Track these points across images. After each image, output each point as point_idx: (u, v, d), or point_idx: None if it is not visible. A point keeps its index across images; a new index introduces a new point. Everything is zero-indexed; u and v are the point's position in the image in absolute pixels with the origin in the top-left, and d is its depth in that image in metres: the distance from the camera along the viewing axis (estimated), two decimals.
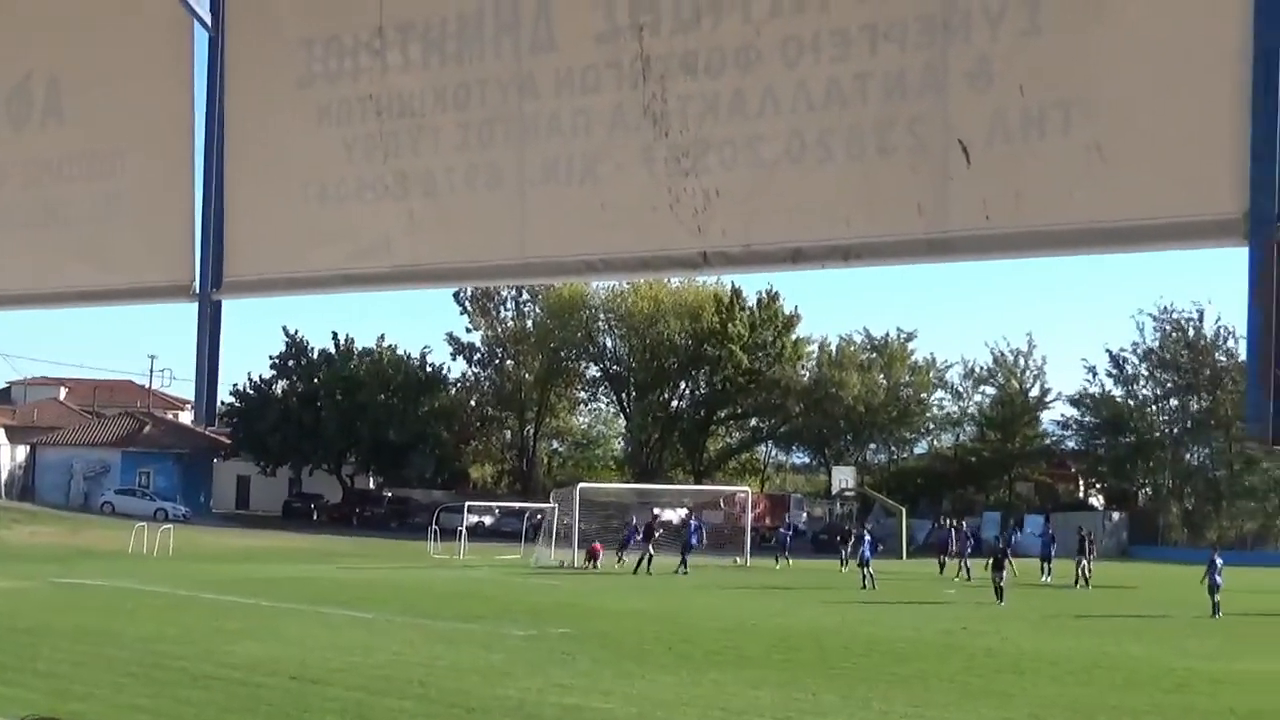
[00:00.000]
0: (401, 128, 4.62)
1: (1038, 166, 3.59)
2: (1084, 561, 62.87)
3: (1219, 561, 50.58)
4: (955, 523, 68.93)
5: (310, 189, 4.88)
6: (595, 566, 65.87)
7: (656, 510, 78.93)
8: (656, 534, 67.35)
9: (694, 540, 68.06)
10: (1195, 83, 3.44)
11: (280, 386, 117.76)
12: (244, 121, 5.05)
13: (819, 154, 3.84)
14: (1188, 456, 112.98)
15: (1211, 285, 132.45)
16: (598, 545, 68.43)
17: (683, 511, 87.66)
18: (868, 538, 62.00)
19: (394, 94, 4.62)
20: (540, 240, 4.38)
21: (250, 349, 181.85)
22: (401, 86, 4.60)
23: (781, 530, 78.02)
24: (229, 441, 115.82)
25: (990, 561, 55.07)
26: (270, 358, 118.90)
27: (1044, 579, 64.48)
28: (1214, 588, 49.13)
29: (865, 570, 58.18)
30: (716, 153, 3.97)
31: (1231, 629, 43.86)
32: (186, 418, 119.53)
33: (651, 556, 63.45)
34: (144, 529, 69.40)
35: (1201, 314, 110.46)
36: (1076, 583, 61.05)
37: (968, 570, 63.98)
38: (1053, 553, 67.19)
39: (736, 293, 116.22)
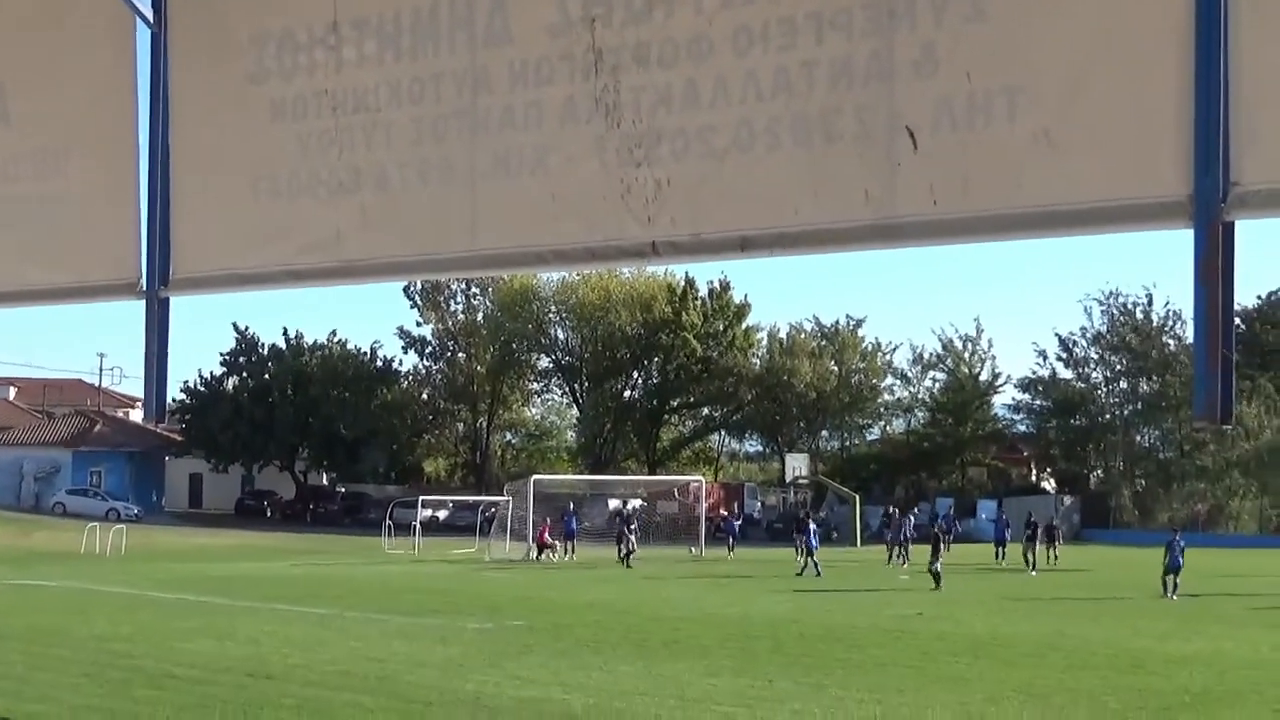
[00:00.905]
0: (356, 123, 4.61)
1: (985, 152, 3.60)
2: (1034, 547, 63.05)
3: (1181, 542, 50.71)
4: (892, 510, 68.89)
5: (261, 184, 4.87)
6: (546, 558, 65.76)
7: (619, 502, 78.85)
8: (633, 524, 67.20)
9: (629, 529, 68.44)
10: (1140, 69, 3.46)
11: (231, 383, 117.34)
12: (191, 118, 5.04)
13: (767, 142, 3.85)
14: (1138, 439, 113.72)
15: (1158, 269, 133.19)
16: (545, 532, 68.17)
17: (636, 502, 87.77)
18: (812, 526, 62.09)
19: (349, 89, 4.61)
20: (491, 232, 4.38)
21: (201, 345, 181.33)
22: (357, 82, 4.59)
23: (731, 520, 77.98)
24: (180, 439, 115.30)
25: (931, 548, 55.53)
26: (221, 354, 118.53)
27: (999, 562, 64.84)
28: (1175, 568, 49.26)
29: (811, 559, 58.30)
30: (668, 143, 3.97)
31: (1185, 610, 44.12)
32: (137, 416, 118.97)
33: (633, 549, 63.35)
34: (96, 529, 69.02)
35: (1150, 298, 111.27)
36: (1031, 568, 61.09)
37: (905, 556, 63.69)
38: (1007, 537, 67.57)
39: (690, 282, 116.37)
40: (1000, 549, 66.81)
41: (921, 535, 65.45)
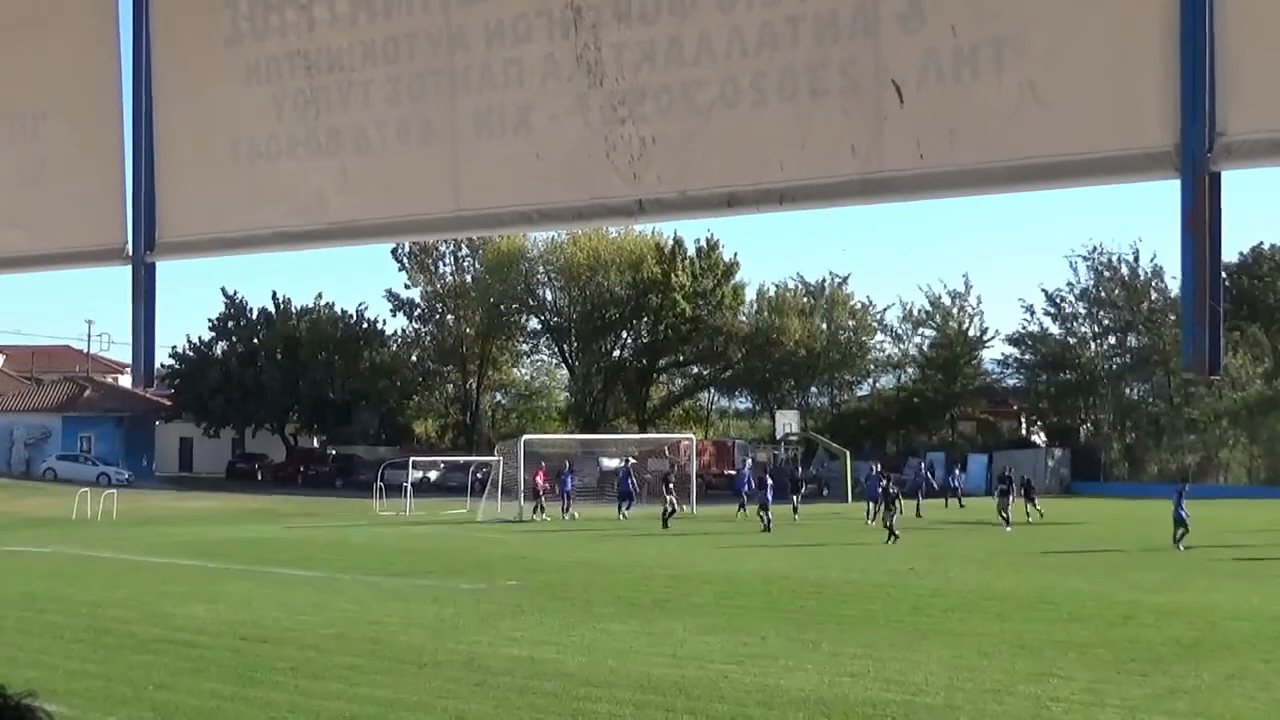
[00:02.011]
0: (331, 83, 4.58)
1: (971, 105, 3.59)
2: (1008, 502, 62.37)
3: (1182, 493, 50.76)
4: (876, 468, 68.82)
5: (241, 148, 4.84)
6: (540, 516, 65.93)
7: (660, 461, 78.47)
8: (671, 482, 67.06)
9: (629, 485, 68.67)
10: (1125, 19, 3.44)
11: (220, 347, 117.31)
12: (172, 81, 5.01)
13: (752, 98, 3.83)
14: (1128, 392, 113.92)
15: (1146, 222, 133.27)
16: (541, 477, 68.39)
17: (630, 460, 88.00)
18: (769, 481, 62.28)
19: (323, 50, 4.58)
20: (475, 193, 4.35)
21: (191, 311, 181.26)
22: (330, 42, 4.56)
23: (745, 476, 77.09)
24: (170, 404, 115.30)
25: (884, 502, 56.00)
26: (209, 319, 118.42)
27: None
28: (1177, 519, 49.32)
29: (764, 514, 58.60)
30: (653, 100, 3.95)
31: (1176, 561, 44.30)
32: (127, 381, 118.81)
33: (674, 509, 63.09)
34: (87, 494, 69.12)
35: (1137, 253, 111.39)
36: (1006, 524, 60.64)
37: (873, 513, 63.53)
38: (937, 485, 67.70)
39: (678, 242, 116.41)
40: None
41: (906, 492, 65.59)
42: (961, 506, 71.45)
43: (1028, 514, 64.37)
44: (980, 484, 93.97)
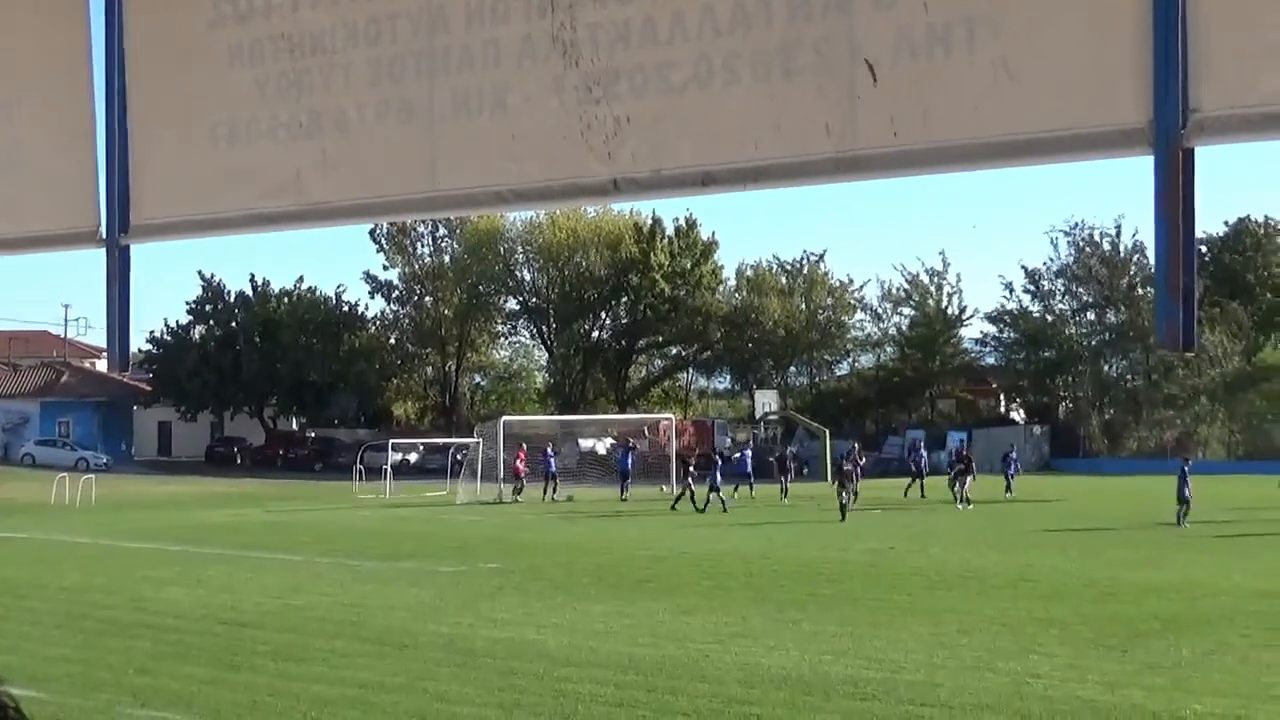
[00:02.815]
0: (314, 65, 4.59)
1: (944, 83, 3.60)
2: (964, 480, 61.87)
3: (1185, 469, 50.64)
4: (855, 446, 68.45)
5: (220, 130, 4.84)
6: (516, 496, 66.10)
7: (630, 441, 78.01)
8: (690, 462, 66.00)
9: (628, 464, 68.83)
10: None
11: (198, 331, 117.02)
12: (147, 63, 5.01)
13: (726, 77, 3.84)
14: (1106, 368, 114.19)
15: (1125, 199, 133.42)
16: (521, 459, 68.53)
17: (609, 441, 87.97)
18: (718, 461, 62.30)
19: (306, 32, 4.59)
20: (452, 173, 4.36)
21: (168, 295, 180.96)
22: (313, 24, 4.57)
23: (739, 455, 76.41)
24: (149, 388, 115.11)
25: (836, 481, 56.38)
26: (187, 302, 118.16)
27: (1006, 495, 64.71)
28: (1179, 497, 49.19)
29: (715, 494, 58.67)
30: (626, 79, 3.96)
31: (1156, 538, 44.43)
32: (105, 366, 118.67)
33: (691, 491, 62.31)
34: (65, 479, 68.88)
35: (1119, 228, 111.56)
36: (958, 501, 60.45)
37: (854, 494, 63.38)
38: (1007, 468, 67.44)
39: (656, 221, 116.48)
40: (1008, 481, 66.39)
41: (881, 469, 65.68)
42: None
43: (1006, 491, 64.46)
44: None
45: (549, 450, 70.85)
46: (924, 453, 70.51)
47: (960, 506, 59.20)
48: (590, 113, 4.02)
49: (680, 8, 3.87)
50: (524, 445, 70.77)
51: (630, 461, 69.98)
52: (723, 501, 58.21)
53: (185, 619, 26.69)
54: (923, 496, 64.75)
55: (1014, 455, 69.50)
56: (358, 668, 21.50)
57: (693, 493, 59.63)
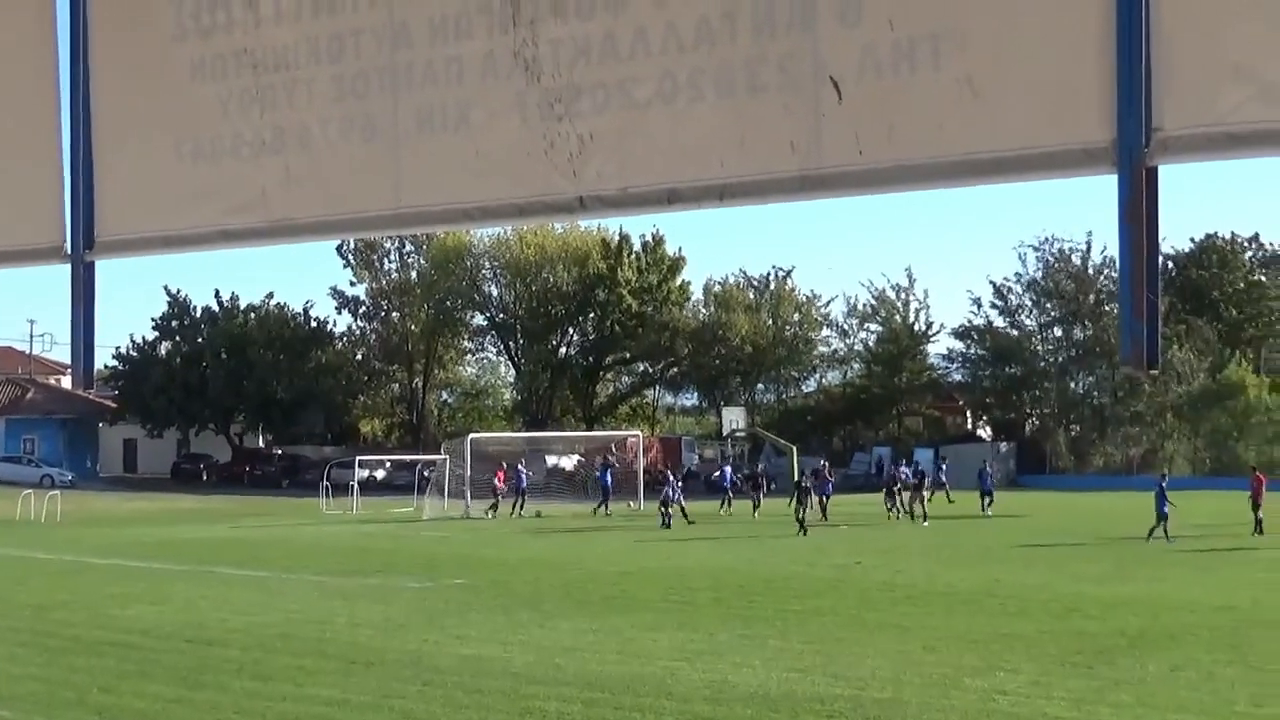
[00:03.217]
0: (277, 81, 4.58)
1: (909, 101, 3.60)
2: (921, 496, 61.63)
3: (1163, 486, 50.57)
4: (825, 465, 68.03)
5: (184, 146, 4.83)
6: (490, 513, 65.94)
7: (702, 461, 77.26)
8: (670, 479, 65.02)
9: (608, 482, 68.65)
10: (1062, 13, 3.47)
11: (164, 347, 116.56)
12: (112, 80, 4.99)
13: (690, 94, 3.84)
14: (1072, 385, 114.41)
15: (1096, 213, 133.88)
16: (501, 478, 68.41)
17: (576, 458, 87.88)
18: (670, 477, 62.13)
19: (268, 48, 4.58)
20: (416, 190, 4.36)
21: (135, 310, 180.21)
22: (276, 40, 4.55)
23: (719, 472, 75.80)
24: (114, 405, 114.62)
25: (794, 496, 56.55)
26: (153, 319, 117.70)
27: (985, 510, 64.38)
28: (1161, 514, 49.08)
29: (664, 510, 58.59)
30: (589, 96, 3.96)
31: (1120, 553, 44.54)
32: (70, 382, 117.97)
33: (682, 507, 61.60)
34: (30, 496, 68.49)
35: (1089, 243, 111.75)
36: (914, 517, 60.01)
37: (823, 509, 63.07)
38: (984, 484, 66.83)
39: (624, 237, 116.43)
40: (984, 497, 65.82)
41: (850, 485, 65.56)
42: (950, 501, 70.86)
43: (989, 506, 64.25)
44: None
45: (520, 466, 70.76)
46: (908, 469, 70.01)
47: (922, 522, 59.05)
48: (554, 129, 4.01)
49: (643, 24, 3.87)
50: (504, 463, 70.57)
51: (610, 478, 69.75)
52: (668, 518, 58.03)
53: (150, 636, 26.56)
54: (908, 513, 64.46)
55: (990, 471, 69.09)
56: (323, 685, 21.41)
57: (683, 508, 59.63)
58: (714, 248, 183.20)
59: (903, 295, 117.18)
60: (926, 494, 61.78)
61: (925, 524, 58.56)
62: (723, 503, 67.34)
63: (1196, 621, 28.05)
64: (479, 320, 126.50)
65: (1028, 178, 3.62)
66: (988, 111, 3.52)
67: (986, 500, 65.16)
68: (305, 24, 4.48)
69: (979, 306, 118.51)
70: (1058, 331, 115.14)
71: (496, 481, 68.08)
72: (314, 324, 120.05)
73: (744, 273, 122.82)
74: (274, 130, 4.60)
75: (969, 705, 19.71)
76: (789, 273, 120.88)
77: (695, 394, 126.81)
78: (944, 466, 76.46)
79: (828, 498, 61.76)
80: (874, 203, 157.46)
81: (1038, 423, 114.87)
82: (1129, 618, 28.44)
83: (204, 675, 22.33)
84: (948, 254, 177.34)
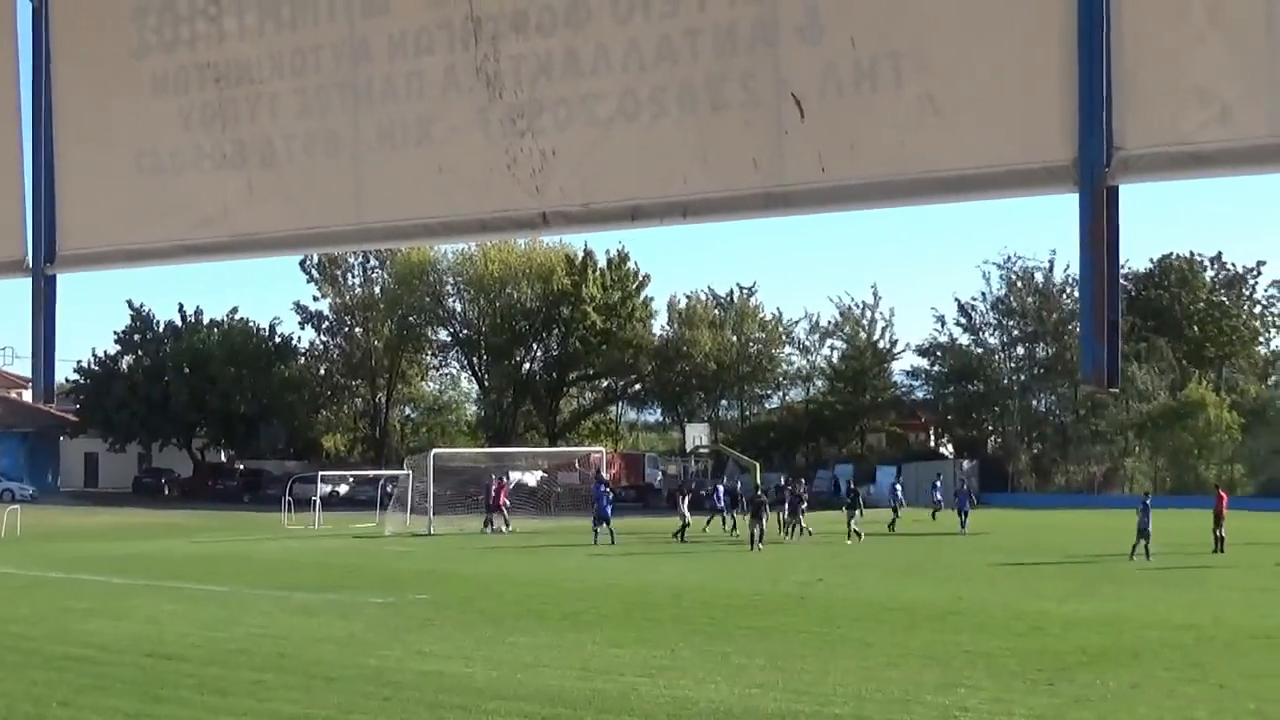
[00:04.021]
0: (239, 96, 4.56)
1: (871, 119, 3.61)
2: (855, 515, 60.28)
3: (1148, 503, 50.65)
4: (787, 479, 67.74)
5: (145, 160, 4.81)
6: (498, 527, 65.82)
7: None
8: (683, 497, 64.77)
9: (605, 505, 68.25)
10: (1023, 32, 3.48)
11: (126, 361, 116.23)
12: (74, 94, 4.98)
13: (653, 111, 3.84)
14: (1035, 403, 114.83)
15: (1061, 232, 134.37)
16: (503, 493, 68.37)
17: (539, 474, 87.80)
18: (608, 493, 61.96)
19: (231, 62, 4.57)
20: (378, 205, 4.35)
21: (97, 324, 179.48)
22: (238, 54, 4.54)
23: (721, 490, 74.67)
24: (76, 419, 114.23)
25: (751, 512, 56.93)
26: (115, 332, 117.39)
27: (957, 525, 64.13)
28: (1141, 530, 49.13)
29: (598, 527, 58.51)
30: (551, 113, 3.96)
31: (1082, 571, 44.69)
32: (31, 396, 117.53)
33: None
34: None
35: (1052, 262, 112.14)
36: (849, 537, 59.02)
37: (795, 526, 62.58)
38: (960, 503, 66.45)
39: (588, 253, 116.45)
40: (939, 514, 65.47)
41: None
42: (934, 519, 70.66)
43: (965, 524, 64.09)
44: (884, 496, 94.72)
45: (494, 483, 70.79)
46: (900, 487, 69.08)
47: (850, 541, 58.47)
48: (516, 145, 4.01)
49: (604, 41, 3.87)
50: (506, 477, 70.43)
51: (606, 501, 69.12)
52: (611, 534, 57.89)
53: (110, 651, 26.43)
54: (891, 528, 64.45)
55: (968, 490, 68.71)
56: (284, 700, 21.33)
57: (685, 523, 59.72)
58: (682, 265, 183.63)
59: (868, 312, 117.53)
60: (859, 512, 60.86)
61: (860, 542, 58.07)
62: (723, 522, 65.57)
63: (1158, 639, 28.14)
64: (443, 336, 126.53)
65: (989, 196, 3.63)
66: (949, 130, 3.53)
67: (963, 518, 65.03)
68: (268, 39, 4.47)
69: (943, 324, 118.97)
70: (1020, 350, 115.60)
71: (501, 496, 68.05)
72: (277, 339, 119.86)
73: (710, 290, 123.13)
74: (235, 145, 4.59)
75: None
76: (752, 290, 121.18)
77: (659, 410, 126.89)
78: (900, 486, 75.39)
79: (802, 513, 61.12)
80: (842, 220, 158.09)
81: (1000, 440, 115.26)
82: (1090, 635, 28.51)
83: (163, 690, 22.23)
84: (915, 272, 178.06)
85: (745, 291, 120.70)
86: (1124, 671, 23.93)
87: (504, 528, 65.74)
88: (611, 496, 62.53)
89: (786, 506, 60.33)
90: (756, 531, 54.92)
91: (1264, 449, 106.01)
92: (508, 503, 68.03)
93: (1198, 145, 3.35)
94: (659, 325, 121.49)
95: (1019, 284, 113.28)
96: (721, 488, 72.65)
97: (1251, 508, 66.12)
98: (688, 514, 60.22)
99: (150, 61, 4.75)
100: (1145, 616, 31.75)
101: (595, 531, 58.32)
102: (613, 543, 56.81)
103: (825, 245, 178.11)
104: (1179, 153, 3.38)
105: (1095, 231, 3.44)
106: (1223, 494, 55.17)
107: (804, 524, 59.61)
